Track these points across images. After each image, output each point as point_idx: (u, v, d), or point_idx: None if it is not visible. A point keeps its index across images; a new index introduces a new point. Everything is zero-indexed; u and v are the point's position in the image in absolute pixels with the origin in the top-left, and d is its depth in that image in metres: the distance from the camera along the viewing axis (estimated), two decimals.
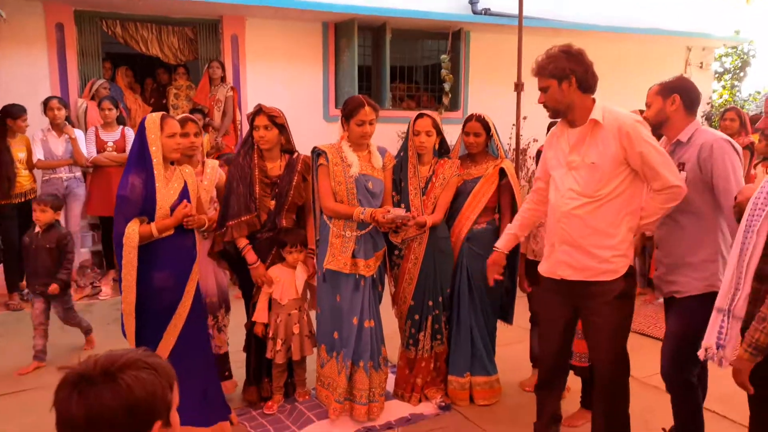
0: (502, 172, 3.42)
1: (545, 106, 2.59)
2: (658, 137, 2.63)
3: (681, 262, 2.58)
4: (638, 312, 5.01)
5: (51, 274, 4.03)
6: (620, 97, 8.72)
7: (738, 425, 3.20)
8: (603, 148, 2.43)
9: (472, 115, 3.45)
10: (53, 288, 4.00)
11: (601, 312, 2.53)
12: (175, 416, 1.20)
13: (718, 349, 2.03)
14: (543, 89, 2.56)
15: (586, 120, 2.49)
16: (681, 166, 2.55)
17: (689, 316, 2.53)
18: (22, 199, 5.23)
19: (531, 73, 2.64)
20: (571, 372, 3.11)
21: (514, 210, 3.36)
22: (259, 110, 3.24)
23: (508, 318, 3.62)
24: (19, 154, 5.21)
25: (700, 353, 2.12)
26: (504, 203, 3.45)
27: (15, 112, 5.11)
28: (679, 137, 2.60)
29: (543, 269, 2.70)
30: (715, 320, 2.07)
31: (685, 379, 2.62)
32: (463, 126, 3.47)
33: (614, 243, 2.47)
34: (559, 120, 2.66)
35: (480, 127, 3.40)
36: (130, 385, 1.10)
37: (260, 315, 3.31)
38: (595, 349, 2.64)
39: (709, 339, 2.07)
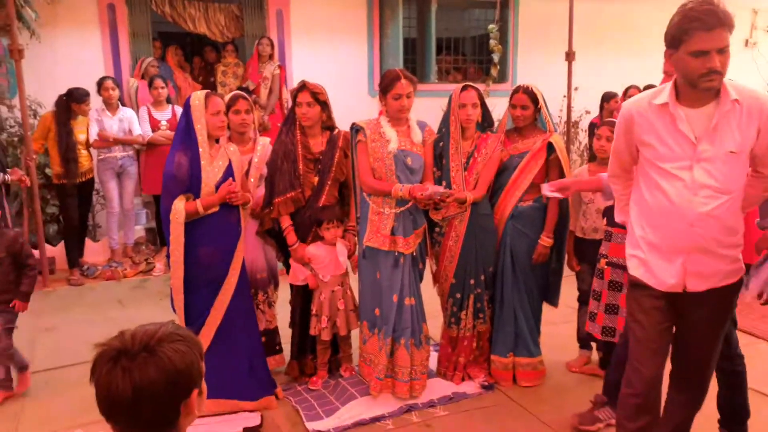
0: (550, 147, 3.27)
1: (712, 77, 1.97)
2: None
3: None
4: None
5: (8, 288, 3.33)
6: None
7: None
8: (740, 133, 2.03)
9: (518, 87, 3.32)
10: (19, 306, 3.36)
11: (712, 319, 2.22)
12: (203, 384, 1.25)
13: None
14: (721, 50, 1.97)
15: (713, 99, 2.04)
16: None
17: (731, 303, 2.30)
18: (83, 179, 5.44)
19: (709, 25, 1.99)
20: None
21: None
22: (303, 86, 3.23)
23: (553, 300, 3.52)
24: (80, 135, 5.40)
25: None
26: (552, 180, 3.28)
27: (79, 96, 5.28)
28: None
29: (661, 283, 2.18)
30: None
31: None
32: (510, 98, 3.34)
33: (738, 239, 2.15)
34: (651, 97, 2.15)
35: (527, 99, 3.26)
36: (170, 357, 1.15)
37: (300, 271, 3.32)
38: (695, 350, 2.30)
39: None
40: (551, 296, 3.52)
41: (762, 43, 9.24)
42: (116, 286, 5.41)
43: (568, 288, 3.62)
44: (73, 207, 5.44)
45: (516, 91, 3.31)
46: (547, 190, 2.91)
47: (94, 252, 5.90)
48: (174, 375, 1.14)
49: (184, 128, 2.97)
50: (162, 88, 5.77)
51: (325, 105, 3.26)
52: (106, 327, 4.36)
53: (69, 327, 4.46)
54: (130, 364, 1.13)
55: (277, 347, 3.62)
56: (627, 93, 6.32)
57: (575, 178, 3.37)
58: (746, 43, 9.27)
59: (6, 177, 4.77)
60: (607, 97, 6.50)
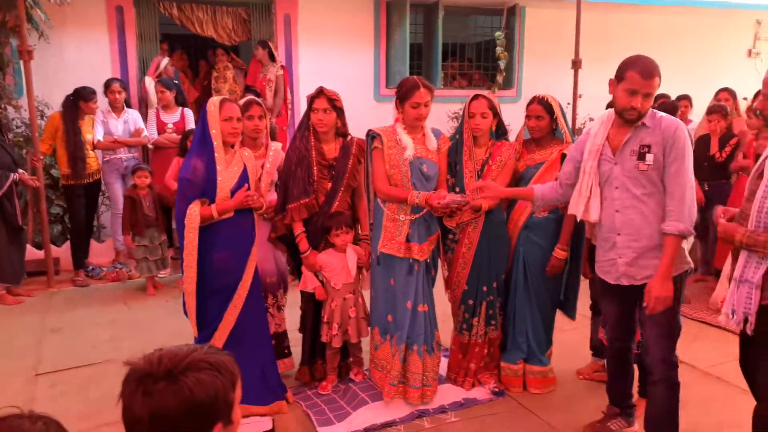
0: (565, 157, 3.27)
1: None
2: None
3: (651, 244, 2.55)
4: (698, 299, 4.86)
5: None
6: (684, 75, 8.37)
7: None
8: None
9: (534, 98, 3.30)
10: None
11: None
12: (236, 413, 1.21)
13: (745, 317, 2.23)
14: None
15: None
16: None
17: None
18: (90, 180, 5.43)
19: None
20: None
21: None
22: (320, 92, 3.23)
23: (571, 312, 3.51)
24: (87, 135, 5.41)
25: (722, 320, 2.34)
26: None
27: (87, 95, 5.29)
28: None
29: None
30: (738, 290, 2.26)
31: (675, 364, 2.65)
32: (526, 108, 3.33)
33: None
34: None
35: (542, 110, 3.24)
36: (192, 388, 1.12)
37: (311, 280, 3.32)
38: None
39: (730, 307, 2.29)
40: (569, 309, 3.51)
41: (765, 52, 9.30)
42: (121, 288, 5.41)
43: (580, 295, 3.62)
44: (79, 208, 5.44)
45: (531, 101, 3.30)
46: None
47: (99, 253, 5.91)
48: (193, 406, 1.12)
49: (201, 133, 2.98)
50: (162, 92, 5.80)
51: (340, 111, 3.27)
52: (112, 328, 4.42)
53: (75, 328, 4.45)
54: (151, 389, 1.12)
55: (286, 351, 3.62)
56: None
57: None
58: (749, 53, 9.34)
59: (15, 176, 4.78)
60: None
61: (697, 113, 6.17)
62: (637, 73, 2.43)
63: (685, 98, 6.04)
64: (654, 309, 2.46)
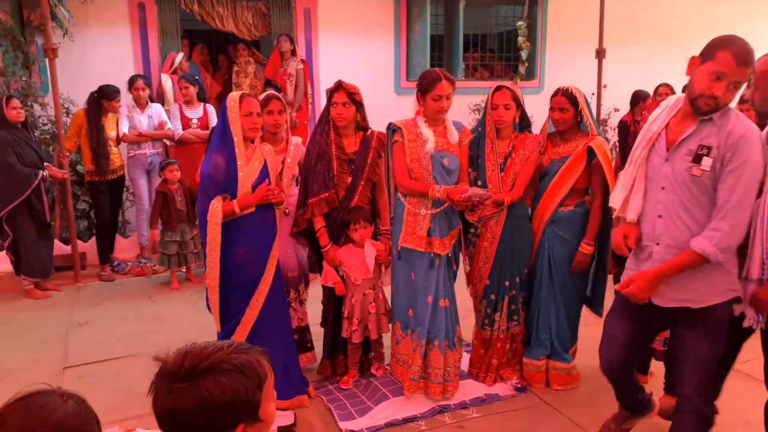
0: (591, 151, 3.15)
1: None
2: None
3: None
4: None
5: None
6: None
7: None
8: None
9: (558, 89, 3.21)
10: None
11: None
12: (267, 410, 1.20)
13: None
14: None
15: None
16: None
17: (716, 333, 2.25)
18: (114, 176, 5.51)
19: None
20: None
21: (606, 192, 3.10)
22: (339, 86, 3.21)
23: (598, 309, 3.44)
24: (110, 132, 5.47)
25: (747, 323, 2.22)
26: (595, 185, 3.19)
27: (110, 93, 5.35)
28: None
29: None
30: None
31: (706, 409, 2.34)
32: (550, 101, 3.25)
33: None
34: None
35: (566, 101, 3.15)
36: (210, 390, 1.12)
37: (331, 275, 3.31)
38: None
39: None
40: (596, 305, 3.44)
41: None
42: (146, 282, 5.49)
43: (606, 291, 3.57)
44: (104, 203, 5.52)
45: (555, 93, 3.22)
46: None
47: (123, 248, 5.99)
48: (211, 408, 1.12)
49: (221, 129, 2.98)
50: (186, 87, 5.83)
51: (360, 105, 3.25)
52: (137, 322, 4.48)
53: (101, 322, 4.52)
54: (171, 387, 1.13)
55: (309, 345, 3.63)
56: (657, 91, 6.21)
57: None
58: None
59: (45, 173, 4.86)
60: (643, 96, 6.38)
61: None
62: (731, 55, 2.03)
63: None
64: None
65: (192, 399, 1.11)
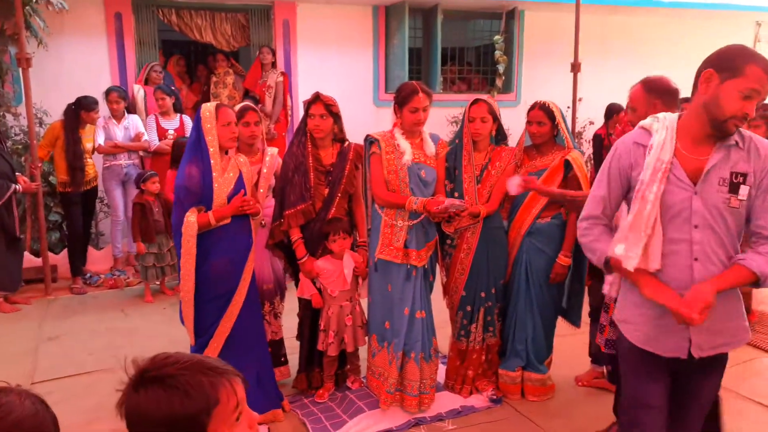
0: (568, 164, 3.20)
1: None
2: None
3: (733, 301, 2.00)
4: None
5: None
6: (684, 78, 8.30)
7: None
8: None
9: (535, 103, 3.25)
10: None
11: None
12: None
13: None
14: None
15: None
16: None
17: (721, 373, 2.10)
18: (87, 187, 5.43)
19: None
20: None
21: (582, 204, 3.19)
22: (317, 98, 3.21)
23: (575, 320, 3.46)
24: (87, 144, 5.40)
25: None
26: None
27: (89, 104, 5.28)
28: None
29: None
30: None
31: None
32: (527, 114, 3.28)
33: None
34: None
35: (543, 115, 3.19)
36: (141, 403, 1.08)
37: (308, 287, 3.29)
38: None
39: None
40: (573, 316, 3.47)
41: (765, 53, 9.21)
42: (119, 295, 5.39)
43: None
44: (76, 215, 5.43)
45: (532, 107, 3.25)
46: (513, 186, 2.92)
47: (97, 260, 5.89)
48: (146, 421, 1.07)
49: (195, 140, 2.96)
50: (162, 98, 5.78)
51: (337, 117, 3.25)
52: (109, 336, 4.40)
53: (72, 336, 4.43)
54: (125, 393, 1.10)
55: (283, 359, 3.59)
56: (629, 105, 6.33)
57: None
58: None
59: (18, 187, 4.77)
60: (617, 110, 6.50)
61: None
62: (762, 69, 1.80)
63: (684, 100, 5.99)
64: (693, 320, 1.80)
65: (130, 406, 1.09)
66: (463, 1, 7.43)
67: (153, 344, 4.16)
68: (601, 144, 6.58)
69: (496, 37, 7.80)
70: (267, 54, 6.73)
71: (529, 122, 3.25)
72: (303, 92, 7.12)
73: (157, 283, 5.32)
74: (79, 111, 5.26)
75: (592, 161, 6.83)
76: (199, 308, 2.97)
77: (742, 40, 9.27)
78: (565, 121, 3.28)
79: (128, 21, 6.66)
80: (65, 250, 5.60)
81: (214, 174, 2.93)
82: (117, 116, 5.65)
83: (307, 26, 7.28)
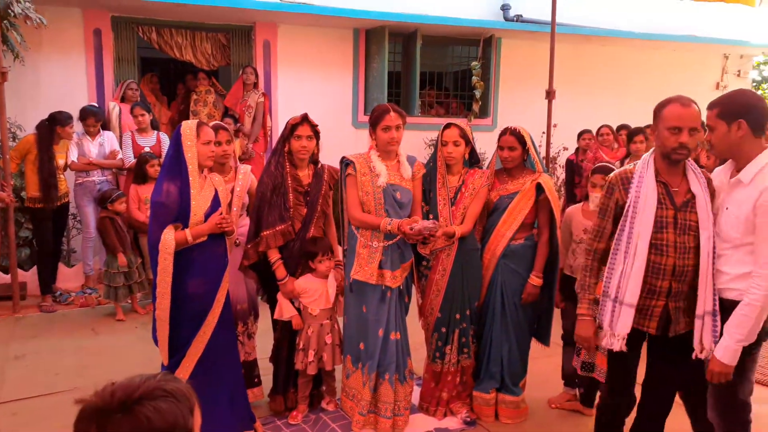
0: (540, 187, 3.29)
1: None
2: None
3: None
4: None
5: None
6: (652, 108, 8.53)
7: None
8: None
9: (506, 129, 3.33)
10: None
11: None
12: None
13: None
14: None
15: None
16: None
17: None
18: (59, 203, 5.34)
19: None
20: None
21: (552, 226, 3.28)
22: (305, 119, 3.23)
23: (545, 339, 3.51)
24: (60, 160, 5.33)
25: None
26: (542, 220, 3.31)
27: (63, 119, 5.22)
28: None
29: None
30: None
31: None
32: (498, 140, 3.37)
33: None
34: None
35: (514, 140, 3.28)
36: (150, 417, 1.07)
37: (287, 309, 3.27)
38: None
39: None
40: (543, 336, 3.51)
41: (732, 85, 9.59)
42: (90, 313, 5.29)
43: (553, 323, 3.64)
44: (47, 231, 5.34)
45: (503, 132, 3.33)
46: None
47: (67, 278, 5.79)
48: None
49: (173, 157, 2.94)
50: (142, 115, 5.76)
51: (318, 138, 3.29)
52: (78, 356, 4.31)
53: (39, 356, 4.32)
54: (105, 423, 1.07)
55: (256, 380, 3.55)
56: (599, 131, 6.52)
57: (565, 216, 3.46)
58: (717, 86, 9.63)
59: None
60: (580, 135, 6.73)
61: None
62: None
63: (650, 127, 6.16)
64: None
65: (130, 428, 1.06)
66: (442, 27, 7.58)
67: (123, 364, 4.09)
68: (573, 169, 6.75)
69: (474, 63, 7.96)
70: (251, 74, 6.76)
71: (500, 147, 3.33)
72: (282, 113, 7.15)
73: (128, 301, 5.24)
74: (54, 126, 5.20)
75: (566, 186, 6.96)
76: (173, 327, 2.92)
77: (710, 72, 9.66)
78: (535, 146, 3.36)
79: (107, 38, 6.64)
80: (35, 267, 5.49)
81: (192, 191, 2.91)
82: (92, 133, 5.60)
83: (287, 47, 7.34)
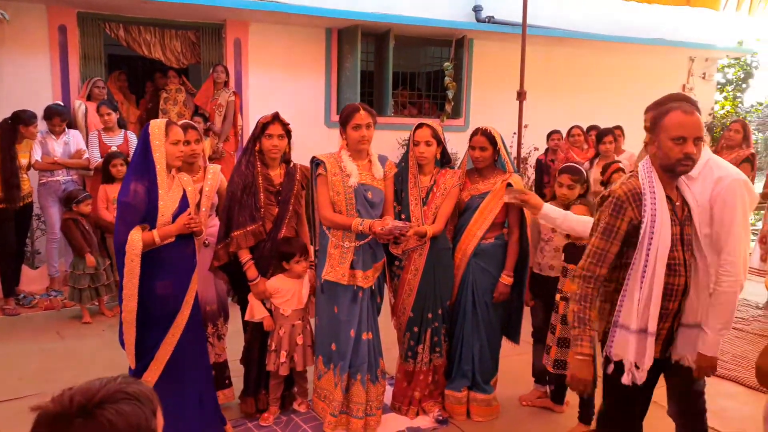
0: (510, 187, 3.27)
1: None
2: None
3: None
4: None
5: None
6: (620, 108, 8.76)
7: None
8: None
9: (477, 129, 3.36)
10: None
11: None
12: None
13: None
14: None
15: None
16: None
17: None
18: (21, 203, 5.20)
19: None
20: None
21: (522, 226, 3.31)
22: (276, 118, 3.20)
23: (515, 337, 3.55)
24: (22, 160, 5.19)
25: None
26: (512, 219, 3.33)
27: (27, 119, 5.07)
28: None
29: None
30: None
31: None
32: (469, 140, 3.38)
33: None
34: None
35: (485, 141, 3.30)
36: (112, 420, 1.04)
37: (258, 310, 3.24)
38: None
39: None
40: (512, 333, 3.55)
41: (698, 88, 9.84)
42: (55, 316, 5.16)
43: (523, 321, 3.67)
44: (9, 232, 5.18)
45: (475, 133, 3.35)
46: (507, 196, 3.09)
47: (32, 280, 5.64)
48: None
49: (141, 156, 2.89)
50: (108, 114, 5.63)
51: (290, 137, 3.26)
52: (43, 359, 4.21)
53: (2, 360, 4.20)
54: (64, 429, 1.04)
55: (227, 381, 3.51)
56: (570, 132, 6.62)
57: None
58: (683, 88, 9.86)
59: None
60: (549, 135, 6.85)
61: (630, 145, 6.45)
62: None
63: (618, 128, 6.31)
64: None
65: None
66: (415, 27, 7.59)
67: (90, 368, 4.00)
68: (542, 169, 6.85)
69: (446, 63, 7.99)
70: (221, 73, 6.67)
71: (472, 147, 3.35)
72: (254, 112, 7.08)
73: (95, 303, 5.13)
74: (17, 125, 5.06)
75: (535, 185, 7.06)
76: (141, 330, 2.87)
77: (677, 74, 9.87)
78: (506, 147, 3.39)
79: (73, 34, 6.48)
80: None
81: (160, 192, 2.86)
82: (57, 132, 5.47)
83: (259, 46, 7.27)
